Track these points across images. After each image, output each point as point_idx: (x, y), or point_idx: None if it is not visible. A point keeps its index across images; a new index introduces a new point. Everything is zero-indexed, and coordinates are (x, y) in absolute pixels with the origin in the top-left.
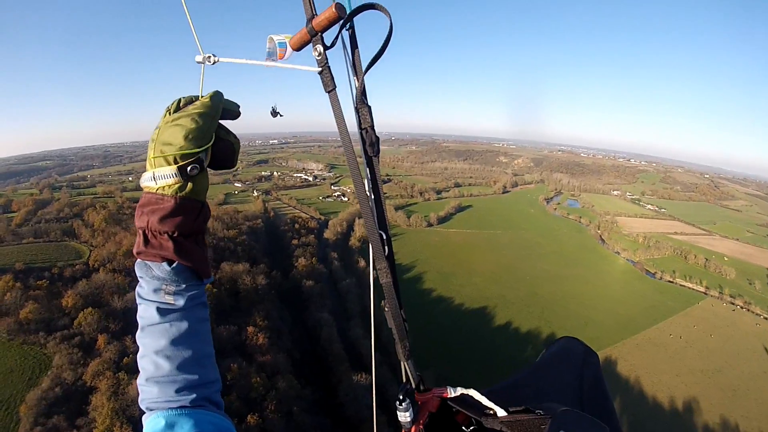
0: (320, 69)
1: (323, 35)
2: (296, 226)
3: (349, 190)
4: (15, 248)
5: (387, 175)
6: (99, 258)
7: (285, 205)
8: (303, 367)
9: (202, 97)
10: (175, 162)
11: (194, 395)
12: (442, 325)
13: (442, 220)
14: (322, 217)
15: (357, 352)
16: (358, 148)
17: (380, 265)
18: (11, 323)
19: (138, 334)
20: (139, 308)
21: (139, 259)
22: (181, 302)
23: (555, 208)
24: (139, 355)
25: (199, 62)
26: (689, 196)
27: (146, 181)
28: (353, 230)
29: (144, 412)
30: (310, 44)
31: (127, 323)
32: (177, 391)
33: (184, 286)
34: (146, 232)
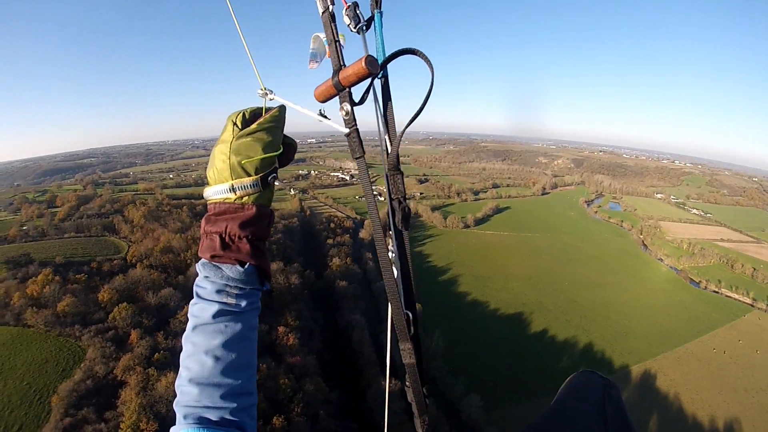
0: (348, 131)
1: (351, 90)
2: (332, 225)
3: (385, 190)
4: (57, 242)
5: (424, 174)
6: (137, 253)
7: (321, 204)
8: (332, 369)
9: (266, 112)
10: (256, 173)
11: (235, 404)
12: (476, 330)
13: (479, 222)
14: (358, 217)
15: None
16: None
17: (404, 346)
18: (48, 315)
19: (187, 334)
20: (196, 308)
21: (206, 262)
22: (243, 303)
23: (596, 211)
24: (184, 354)
25: (260, 96)
26: (736, 201)
27: (222, 193)
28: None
29: (175, 416)
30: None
31: (160, 320)
32: (221, 397)
33: (248, 288)
34: (224, 236)
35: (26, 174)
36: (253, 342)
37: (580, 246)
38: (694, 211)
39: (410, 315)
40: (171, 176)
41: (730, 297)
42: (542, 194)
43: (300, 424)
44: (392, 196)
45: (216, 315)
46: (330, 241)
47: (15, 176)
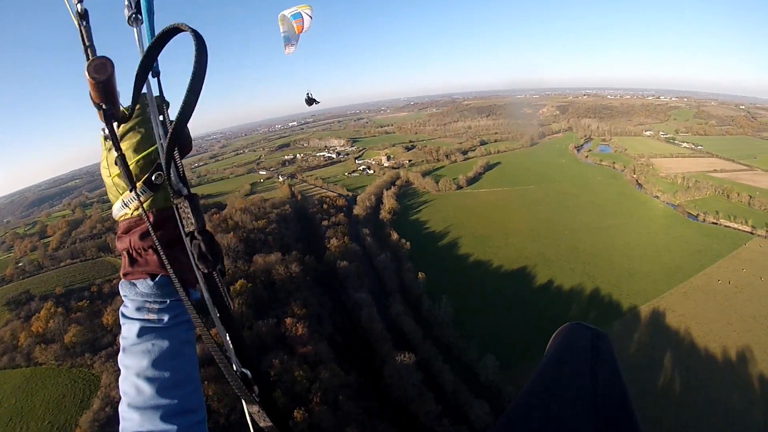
0: (115, 157)
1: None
2: (325, 206)
3: (374, 163)
4: (54, 273)
5: (410, 141)
6: None
7: (312, 186)
8: (345, 351)
9: (125, 108)
10: (138, 179)
11: (177, 426)
12: (483, 290)
13: (471, 181)
14: (350, 194)
15: (399, 329)
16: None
17: (252, 409)
18: (57, 349)
19: (120, 356)
20: (123, 329)
21: (123, 280)
22: (165, 318)
23: (587, 156)
24: (120, 378)
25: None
26: (726, 131)
27: (119, 211)
28: (382, 203)
29: None
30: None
31: None
32: (161, 419)
33: (167, 301)
34: (130, 251)
35: (14, 209)
36: (188, 357)
37: (576, 193)
38: (685, 144)
39: (248, 374)
40: None
41: (729, 227)
42: (531, 145)
43: (321, 413)
44: (185, 230)
45: (140, 334)
46: (325, 222)
47: (3, 213)
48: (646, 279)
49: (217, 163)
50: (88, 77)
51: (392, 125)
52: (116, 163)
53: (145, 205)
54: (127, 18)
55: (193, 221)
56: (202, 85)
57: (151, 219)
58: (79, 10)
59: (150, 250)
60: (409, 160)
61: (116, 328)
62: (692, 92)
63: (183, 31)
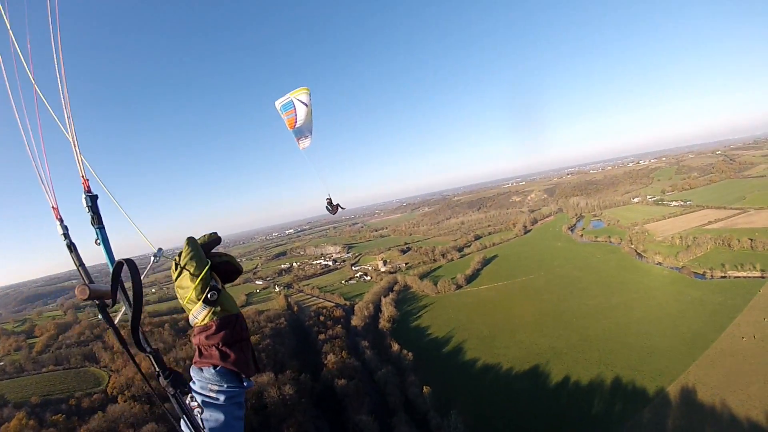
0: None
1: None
2: (321, 318)
3: (370, 268)
4: (35, 378)
5: (405, 243)
6: (117, 385)
7: (308, 296)
8: None
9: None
10: (198, 299)
11: None
12: (496, 398)
13: (470, 279)
14: (348, 303)
15: None
16: None
17: None
18: None
19: (182, 424)
20: (190, 399)
21: (193, 366)
22: (221, 398)
23: (581, 235)
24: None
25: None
26: (709, 179)
27: (193, 320)
28: (381, 311)
29: None
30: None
31: None
32: None
33: (225, 386)
34: (199, 347)
35: (7, 302)
36: (238, 429)
37: (578, 275)
38: (674, 203)
39: None
40: (153, 290)
41: (738, 277)
42: (525, 233)
43: None
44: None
45: (203, 405)
46: (322, 336)
47: None
48: (668, 355)
49: None
50: (77, 298)
51: (387, 228)
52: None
53: (207, 317)
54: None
55: (156, 367)
56: (141, 304)
57: (213, 327)
58: (68, 244)
59: (213, 348)
60: (406, 263)
61: None
62: (669, 149)
63: (128, 263)
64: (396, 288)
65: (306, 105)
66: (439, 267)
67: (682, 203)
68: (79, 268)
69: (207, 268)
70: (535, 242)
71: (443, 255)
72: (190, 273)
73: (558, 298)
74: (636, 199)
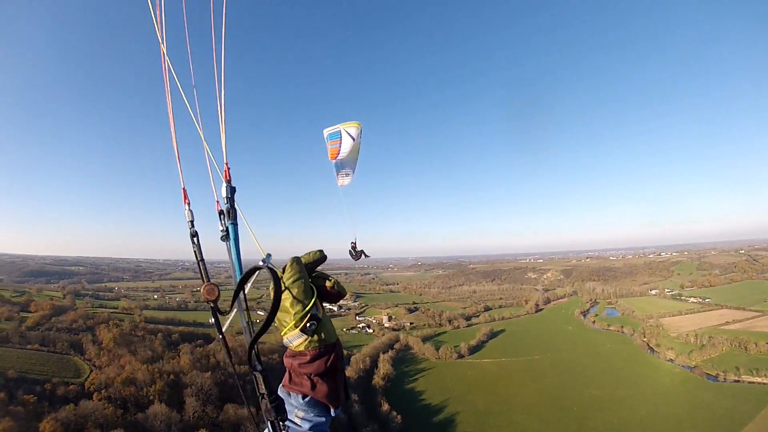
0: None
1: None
2: None
3: (374, 321)
4: (17, 352)
5: (414, 303)
6: (96, 381)
7: None
8: None
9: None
10: (296, 327)
11: None
12: None
13: (474, 350)
14: (345, 352)
15: None
16: None
17: None
18: None
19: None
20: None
21: (282, 387)
22: (306, 426)
23: (593, 321)
24: None
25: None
26: (730, 278)
27: (287, 344)
28: (377, 367)
29: None
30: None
31: None
32: None
33: (312, 415)
34: (291, 371)
35: (11, 270)
36: None
37: (585, 362)
38: (692, 299)
39: None
40: (155, 296)
41: (753, 382)
42: (536, 311)
43: None
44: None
45: (286, 429)
46: None
47: (0, 270)
48: None
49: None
50: (202, 296)
51: (398, 284)
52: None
53: (303, 346)
54: (220, 237)
55: (263, 388)
56: (275, 314)
57: (308, 356)
58: (191, 232)
59: (305, 376)
60: (411, 323)
61: None
62: (691, 244)
63: (262, 269)
64: (397, 346)
65: (353, 139)
66: (444, 332)
67: (700, 300)
68: (200, 264)
69: (313, 299)
70: (546, 322)
71: (450, 321)
72: (293, 296)
73: (561, 383)
74: (653, 291)
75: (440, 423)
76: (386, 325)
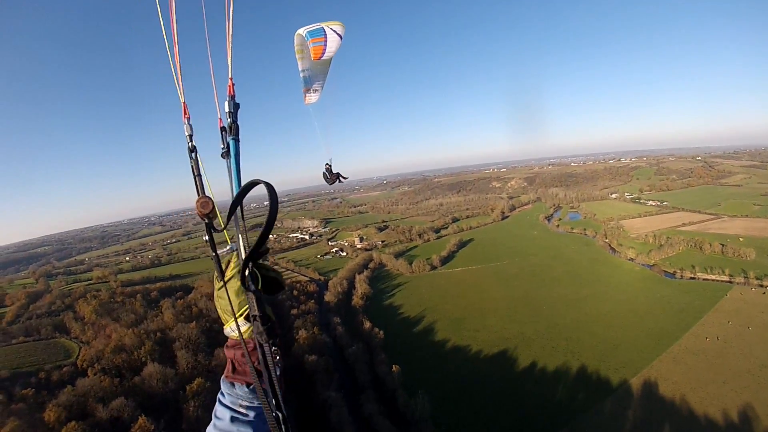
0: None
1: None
2: (295, 292)
3: (347, 244)
4: (4, 351)
5: (383, 221)
6: (87, 357)
7: (283, 270)
8: None
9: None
10: (241, 315)
11: None
12: (463, 380)
13: (445, 261)
14: (322, 278)
15: (373, 430)
16: None
17: None
18: None
19: (209, 428)
20: (218, 410)
21: (225, 379)
22: (251, 414)
23: (557, 225)
24: None
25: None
26: (687, 183)
27: (228, 333)
28: (355, 288)
29: None
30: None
31: None
32: None
33: (256, 403)
34: (234, 362)
35: None
36: None
37: (551, 264)
38: (651, 202)
39: (280, 415)
40: (127, 258)
41: (707, 279)
42: (502, 219)
43: None
44: (252, 314)
45: (231, 420)
46: (294, 311)
47: None
48: (633, 348)
49: (190, 241)
50: (196, 210)
51: (365, 204)
52: (222, 298)
53: (245, 335)
54: (220, 154)
55: (256, 309)
56: (271, 229)
57: (252, 344)
58: (189, 147)
59: (248, 366)
60: (382, 241)
61: (58, 426)
62: (650, 150)
63: (260, 184)
64: (371, 265)
65: (340, 38)
66: (416, 247)
67: (658, 203)
68: (196, 178)
69: (258, 288)
70: (512, 229)
71: (420, 235)
72: (236, 288)
73: (530, 286)
74: (614, 195)
75: (420, 333)
76: (358, 246)
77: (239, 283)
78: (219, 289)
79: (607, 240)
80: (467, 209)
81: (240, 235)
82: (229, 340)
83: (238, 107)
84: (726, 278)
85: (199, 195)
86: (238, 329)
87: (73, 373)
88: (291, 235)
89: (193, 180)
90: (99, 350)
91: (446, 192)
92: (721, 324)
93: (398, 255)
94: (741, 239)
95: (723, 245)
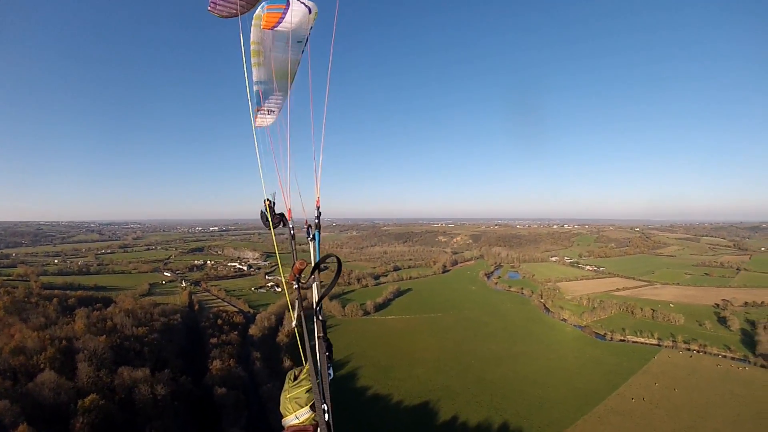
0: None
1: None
2: (219, 321)
3: (283, 281)
4: None
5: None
6: None
7: (214, 297)
8: None
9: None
10: (307, 404)
11: None
12: (382, 428)
13: (379, 307)
14: (251, 311)
15: None
16: None
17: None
18: None
19: None
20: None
21: None
22: None
23: (496, 282)
24: None
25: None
26: (624, 251)
27: (291, 421)
28: (282, 324)
29: None
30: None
31: None
32: None
33: None
34: None
35: None
36: None
37: (486, 319)
38: (588, 267)
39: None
40: (56, 261)
41: (637, 342)
42: (443, 272)
43: None
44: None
45: None
46: (214, 340)
47: None
48: (559, 407)
49: (125, 255)
50: (294, 267)
51: None
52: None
53: (308, 420)
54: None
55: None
56: (339, 275)
57: (310, 429)
58: (291, 234)
59: None
60: (321, 281)
61: None
62: (593, 219)
63: (334, 256)
64: (305, 304)
65: (309, 11)
66: (352, 291)
67: (595, 268)
68: (294, 251)
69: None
70: (451, 283)
71: (358, 280)
72: (307, 389)
73: (462, 339)
74: (554, 258)
75: (342, 377)
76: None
77: (308, 386)
78: (291, 388)
79: (542, 300)
80: (410, 259)
81: (316, 283)
82: (287, 427)
83: (320, 215)
84: (655, 341)
85: (295, 260)
86: (323, 415)
87: None
88: (229, 264)
89: (291, 251)
90: None
91: (393, 241)
92: (648, 385)
93: (333, 297)
94: (672, 305)
95: (654, 310)
